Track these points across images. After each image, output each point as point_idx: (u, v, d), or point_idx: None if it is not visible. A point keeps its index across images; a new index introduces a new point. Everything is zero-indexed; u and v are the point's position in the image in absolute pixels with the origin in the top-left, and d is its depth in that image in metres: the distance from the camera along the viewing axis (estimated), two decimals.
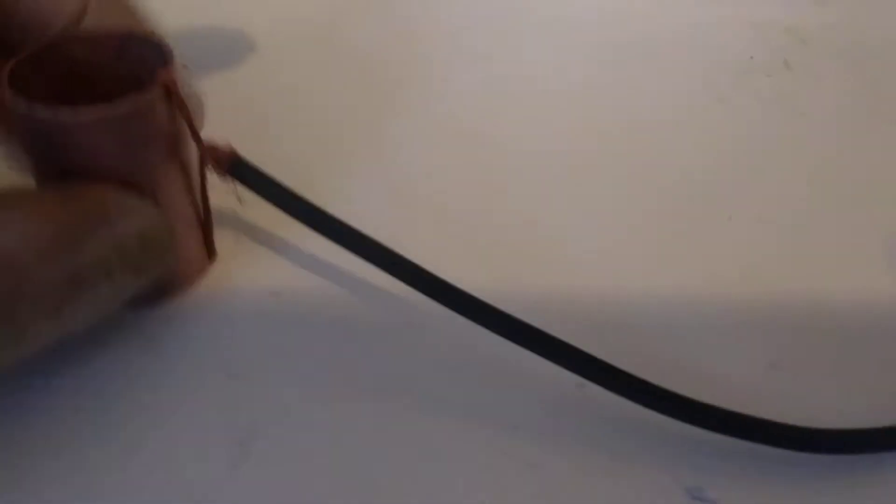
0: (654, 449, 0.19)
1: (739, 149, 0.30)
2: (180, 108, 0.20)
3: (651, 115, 0.31)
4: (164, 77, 0.19)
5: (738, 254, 0.25)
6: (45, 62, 0.20)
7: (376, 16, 0.36)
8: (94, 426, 0.19)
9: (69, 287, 0.17)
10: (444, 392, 0.21)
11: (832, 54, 0.35)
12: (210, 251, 0.23)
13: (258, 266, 0.24)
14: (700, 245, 0.25)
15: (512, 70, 0.33)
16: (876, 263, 0.25)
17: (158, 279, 0.20)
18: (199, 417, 0.20)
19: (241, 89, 0.31)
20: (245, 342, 0.22)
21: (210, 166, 0.21)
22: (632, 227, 0.26)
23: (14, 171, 0.21)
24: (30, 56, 0.19)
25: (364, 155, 0.28)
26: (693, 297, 0.23)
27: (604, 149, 0.29)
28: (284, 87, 0.32)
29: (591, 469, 0.19)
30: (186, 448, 0.19)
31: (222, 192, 0.22)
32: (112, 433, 0.19)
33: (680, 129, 0.31)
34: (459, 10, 0.37)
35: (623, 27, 0.36)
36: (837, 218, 0.27)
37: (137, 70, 0.21)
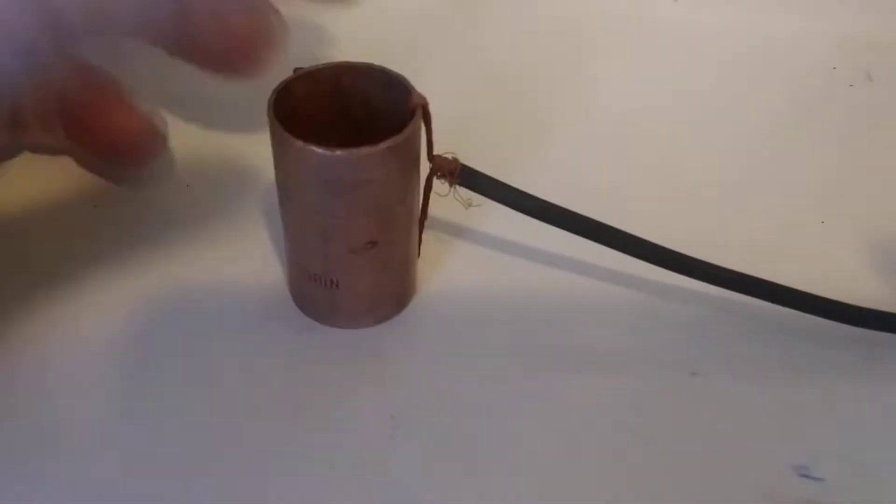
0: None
1: (821, 159, 0.33)
2: (427, 126, 0.23)
3: (733, 127, 0.35)
4: (420, 100, 0.22)
5: (829, 258, 0.29)
6: (277, 102, 0.23)
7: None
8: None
9: None
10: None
11: None
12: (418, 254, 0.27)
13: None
14: (794, 248, 0.29)
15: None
16: None
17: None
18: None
19: None
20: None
21: (441, 178, 0.24)
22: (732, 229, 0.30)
23: None
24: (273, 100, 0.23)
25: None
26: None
27: (705, 161, 0.33)
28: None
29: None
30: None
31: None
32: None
33: (768, 140, 0.34)
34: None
35: (703, 37, 0.39)
36: None
37: (349, 100, 0.24)
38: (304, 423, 0.23)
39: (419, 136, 0.23)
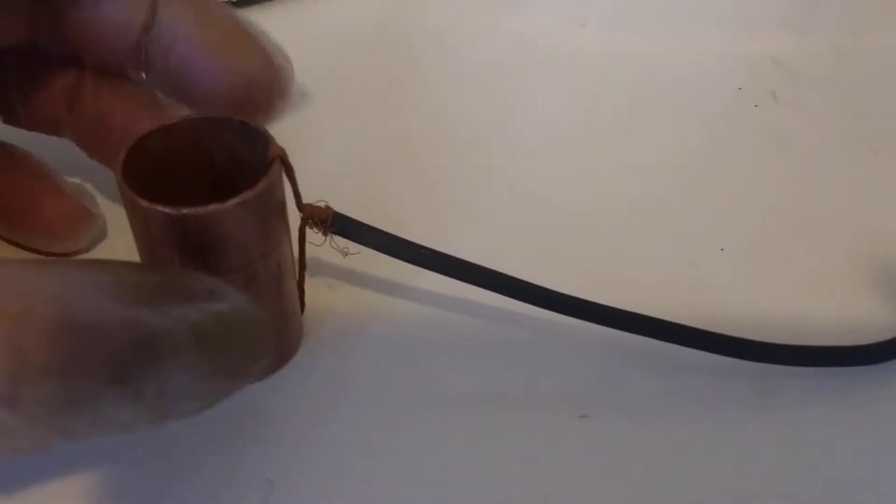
0: None
1: (728, 181, 0.33)
2: (290, 177, 0.22)
3: (642, 150, 0.34)
4: (277, 151, 0.21)
5: (727, 284, 0.28)
6: (130, 161, 0.21)
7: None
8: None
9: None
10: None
11: (819, 84, 0.37)
12: (302, 306, 0.26)
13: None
14: (692, 276, 0.29)
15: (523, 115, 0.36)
16: (864, 292, 0.28)
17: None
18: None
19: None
20: None
21: (313, 227, 0.23)
22: (630, 256, 0.29)
23: None
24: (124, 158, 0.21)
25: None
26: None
27: (610, 191, 0.32)
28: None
29: None
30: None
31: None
32: None
33: (671, 163, 0.33)
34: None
35: (612, 62, 0.39)
36: (826, 247, 0.29)
37: (213, 152, 0.23)
38: (174, 486, 0.22)
39: (278, 189, 0.22)
